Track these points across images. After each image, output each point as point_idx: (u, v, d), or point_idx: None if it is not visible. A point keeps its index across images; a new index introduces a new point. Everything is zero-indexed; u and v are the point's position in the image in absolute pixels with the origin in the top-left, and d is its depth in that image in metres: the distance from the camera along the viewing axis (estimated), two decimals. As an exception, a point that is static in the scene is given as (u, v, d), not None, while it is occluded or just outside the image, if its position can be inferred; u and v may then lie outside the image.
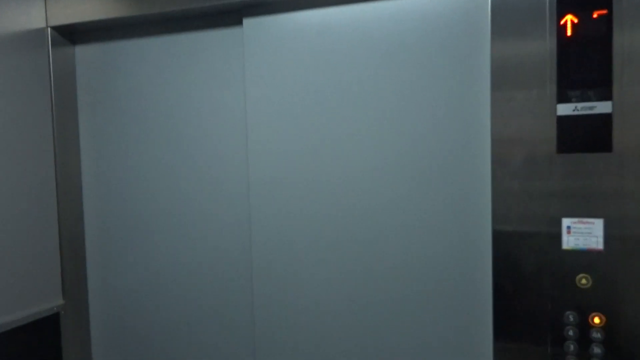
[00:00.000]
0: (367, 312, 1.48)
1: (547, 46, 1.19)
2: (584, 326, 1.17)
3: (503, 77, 1.24)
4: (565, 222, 1.19)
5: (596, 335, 1.15)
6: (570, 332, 1.17)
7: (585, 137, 1.17)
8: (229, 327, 1.69)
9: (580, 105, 1.18)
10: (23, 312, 1.68)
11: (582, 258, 1.18)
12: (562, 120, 1.19)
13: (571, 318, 1.17)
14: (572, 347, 1.17)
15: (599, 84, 1.16)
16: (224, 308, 1.69)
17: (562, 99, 1.19)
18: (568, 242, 1.19)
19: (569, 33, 1.17)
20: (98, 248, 1.85)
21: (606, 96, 1.16)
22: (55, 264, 1.78)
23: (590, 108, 1.17)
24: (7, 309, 1.63)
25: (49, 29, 1.70)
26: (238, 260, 1.65)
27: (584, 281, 1.17)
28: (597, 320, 1.15)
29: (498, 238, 1.25)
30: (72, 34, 1.77)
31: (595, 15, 1.15)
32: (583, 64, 1.17)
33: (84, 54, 1.80)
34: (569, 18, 1.17)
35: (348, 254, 1.49)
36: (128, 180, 1.78)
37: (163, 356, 1.79)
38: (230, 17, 1.58)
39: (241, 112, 1.61)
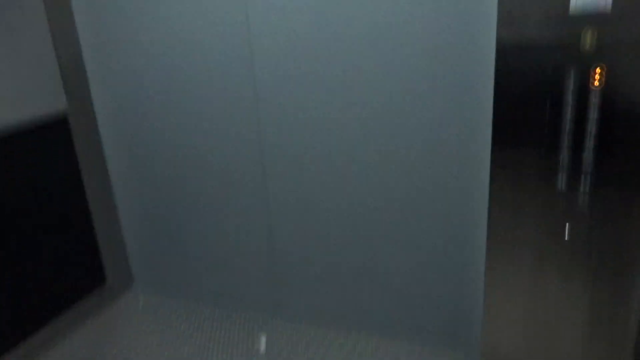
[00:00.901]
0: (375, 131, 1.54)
1: None
2: (584, 80, 1.21)
3: None
4: (576, -20, 1.20)
5: (594, 87, 1.20)
6: (571, 86, 1.21)
7: None
8: (233, 117, 1.74)
9: None
10: (28, 113, 1.71)
11: (589, 19, 1.20)
12: None
13: (572, 73, 1.21)
14: (570, 100, 1.21)
15: None
16: (227, 95, 1.73)
17: None
18: (576, 4, 1.21)
19: None
20: (95, 50, 1.84)
21: None
22: (53, 67, 1.78)
23: None
24: (10, 110, 1.65)
25: None
26: (240, 74, 1.68)
27: (588, 40, 1.20)
28: (598, 71, 1.19)
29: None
30: None
31: None
32: None
33: None
34: None
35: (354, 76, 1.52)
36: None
37: (174, 149, 1.84)
38: None
39: None
